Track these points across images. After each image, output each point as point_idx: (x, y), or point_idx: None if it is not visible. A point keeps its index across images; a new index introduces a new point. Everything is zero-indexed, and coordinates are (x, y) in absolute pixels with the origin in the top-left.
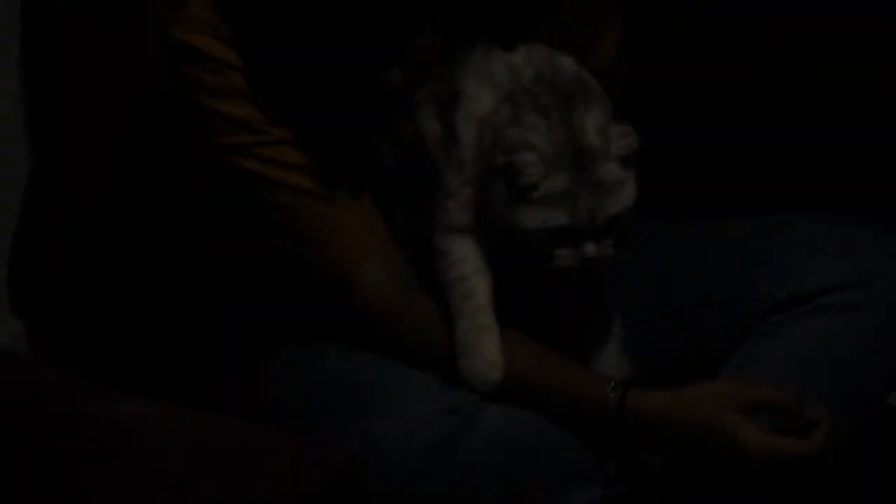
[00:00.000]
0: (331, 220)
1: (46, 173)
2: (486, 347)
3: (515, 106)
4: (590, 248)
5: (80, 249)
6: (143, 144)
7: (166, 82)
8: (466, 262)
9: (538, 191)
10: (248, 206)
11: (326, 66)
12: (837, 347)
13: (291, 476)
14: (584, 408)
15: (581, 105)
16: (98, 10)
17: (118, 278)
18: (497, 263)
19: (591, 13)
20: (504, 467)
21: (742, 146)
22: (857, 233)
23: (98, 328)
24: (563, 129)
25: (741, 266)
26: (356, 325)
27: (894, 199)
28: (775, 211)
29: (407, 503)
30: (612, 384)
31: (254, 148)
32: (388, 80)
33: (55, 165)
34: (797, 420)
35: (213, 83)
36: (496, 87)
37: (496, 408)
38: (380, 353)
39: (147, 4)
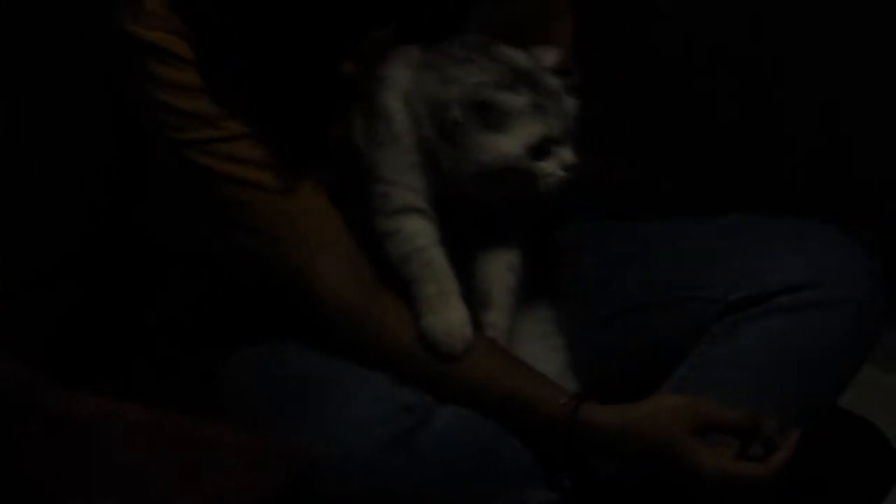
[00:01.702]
0: (287, 215)
1: (10, 170)
2: (454, 305)
3: (436, 70)
4: (566, 154)
5: (39, 247)
6: (107, 140)
7: (128, 79)
8: (419, 236)
9: (510, 116)
10: (206, 201)
11: (280, 60)
12: (792, 348)
13: (248, 472)
14: (536, 416)
15: (493, 46)
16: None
17: (84, 277)
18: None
19: (542, 7)
20: (456, 466)
21: (698, 146)
22: (811, 233)
23: (54, 325)
24: (493, 63)
25: (696, 265)
26: (312, 321)
27: (847, 200)
28: (730, 210)
29: (360, 500)
30: (564, 398)
31: (210, 143)
32: (341, 73)
33: (19, 162)
34: (753, 440)
35: (170, 78)
36: (412, 62)
37: (449, 408)
38: (335, 352)
39: (106, 1)
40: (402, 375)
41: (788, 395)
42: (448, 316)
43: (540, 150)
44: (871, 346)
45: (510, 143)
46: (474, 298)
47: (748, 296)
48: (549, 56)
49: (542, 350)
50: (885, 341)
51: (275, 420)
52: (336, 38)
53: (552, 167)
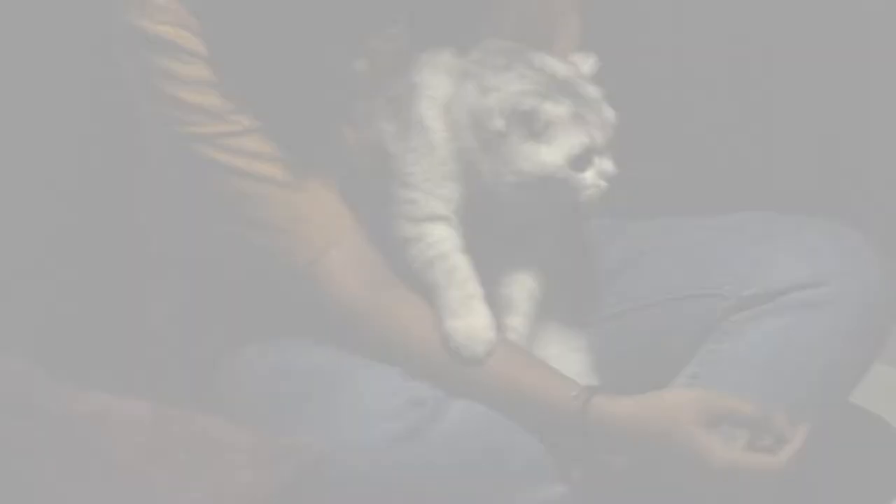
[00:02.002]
0: (297, 210)
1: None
2: (478, 309)
3: (475, 78)
4: (607, 164)
5: (40, 241)
6: (104, 136)
7: (132, 73)
8: (443, 242)
9: (553, 126)
10: (214, 196)
11: (289, 55)
12: (802, 345)
13: (253, 469)
14: (547, 409)
15: (532, 53)
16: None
17: (79, 272)
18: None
19: (552, 5)
20: (466, 461)
21: (704, 143)
22: (819, 230)
23: (57, 321)
24: (533, 72)
25: (706, 262)
26: (320, 318)
27: (853, 198)
28: (737, 208)
29: (368, 495)
30: (577, 389)
31: (220, 138)
32: (354, 70)
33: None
34: (764, 432)
35: (181, 72)
36: (449, 71)
37: (460, 402)
38: (343, 346)
39: None
40: (412, 371)
41: (798, 393)
42: (472, 321)
43: (581, 160)
44: (881, 344)
45: (553, 154)
46: (497, 303)
47: (758, 293)
48: (588, 64)
49: (565, 351)
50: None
51: (281, 415)
52: (346, 35)
53: (593, 178)
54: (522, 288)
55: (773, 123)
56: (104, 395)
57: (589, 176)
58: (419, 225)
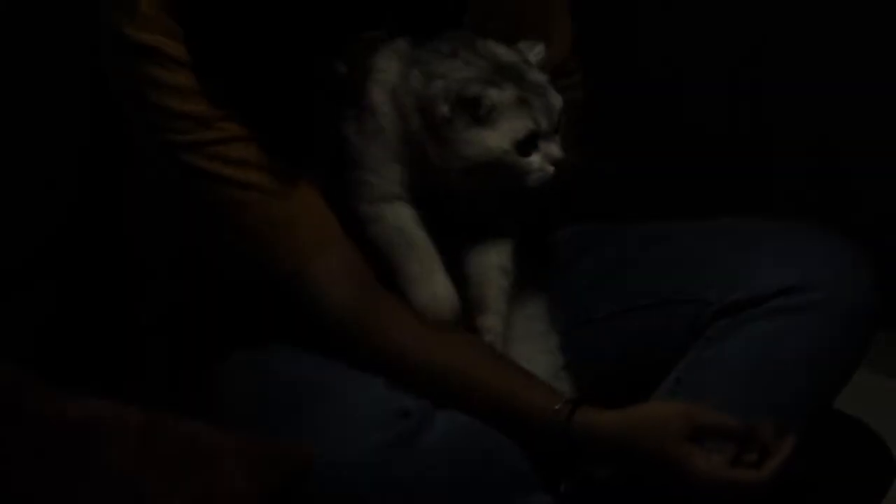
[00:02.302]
0: (283, 217)
1: None
2: (439, 280)
3: (421, 65)
4: (553, 148)
5: (28, 245)
6: (91, 143)
7: (118, 81)
8: (400, 219)
9: (496, 111)
10: (201, 204)
11: (273, 61)
12: (786, 351)
13: (241, 475)
14: (531, 420)
15: (478, 41)
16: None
17: (66, 276)
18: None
19: (541, 8)
20: (452, 472)
21: (692, 149)
22: (804, 236)
23: (46, 326)
24: (478, 59)
25: (690, 268)
26: (308, 324)
27: (838, 204)
28: (723, 213)
29: None
30: (560, 403)
31: (204, 145)
32: (334, 73)
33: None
34: (748, 447)
35: (166, 80)
36: (400, 56)
37: (446, 413)
38: (331, 354)
39: (99, 3)
40: (399, 378)
41: (783, 399)
42: (436, 290)
43: (526, 144)
44: (865, 350)
45: (496, 138)
46: (468, 302)
47: (742, 298)
48: (534, 50)
49: (535, 351)
50: (881, 344)
51: (269, 423)
52: (329, 39)
53: (539, 162)
54: (493, 285)
55: (765, 129)
56: (94, 400)
57: (535, 160)
58: (375, 205)
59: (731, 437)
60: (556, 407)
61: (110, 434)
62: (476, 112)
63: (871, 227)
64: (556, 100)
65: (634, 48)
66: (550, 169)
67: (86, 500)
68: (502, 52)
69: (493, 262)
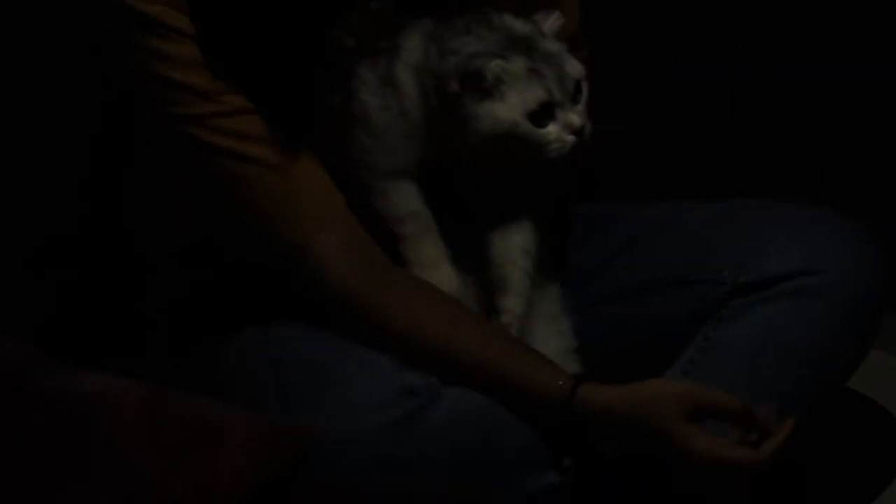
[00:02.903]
0: (286, 192)
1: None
2: (445, 269)
3: (438, 41)
4: (572, 118)
5: (37, 227)
6: (97, 137)
7: (120, 57)
8: (411, 199)
9: (505, 83)
10: (203, 179)
11: (278, 32)
12: (795, 333)
13: (247, 453)
14: (535, 396)
15: (494, 16)
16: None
17: (70, 257)
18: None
19: None
20: (459, 450)
21: (704, 131)
22: (814, 219)
23: (54, 312)
24: (491, 33)
25: (702, 248)
26: (312, 301)
27: (843, 191)
28: (736, 195)
29: (362, 484)
30: (563, 378)
31: (209, 118)
32: (341, 47)
33: (10, 144)
34: (748, 428)
35: (169, 52)
36: (423, 34)
37: (453, 391)
38: (336, 333)
39: None
40: (405, 355)
41: (792, 380)
42: (439, 277)
43: (541, 115)
44: (874, 333)
45: (507, 110)
46: (490, 283)
47: (753, 280)
48: (550, 21)
49: (546, 332)
50: (893, 327)
51: (275, 403)
52: (333, 10)
53: (557, 132)
54: (516, 266)
55: (771, 116)
56: (100, 375)
57: (552, 130)
58: (385, 179)
59: (732, 418)
60: (560, 383)
61: (113, 411)
62: (482, 85)
63: (877, 215)
64: (574, 68)
65: (642, 33)
66: (570, 138)
67: (87, 478)
68: (517, 24)
69: (515, 244)
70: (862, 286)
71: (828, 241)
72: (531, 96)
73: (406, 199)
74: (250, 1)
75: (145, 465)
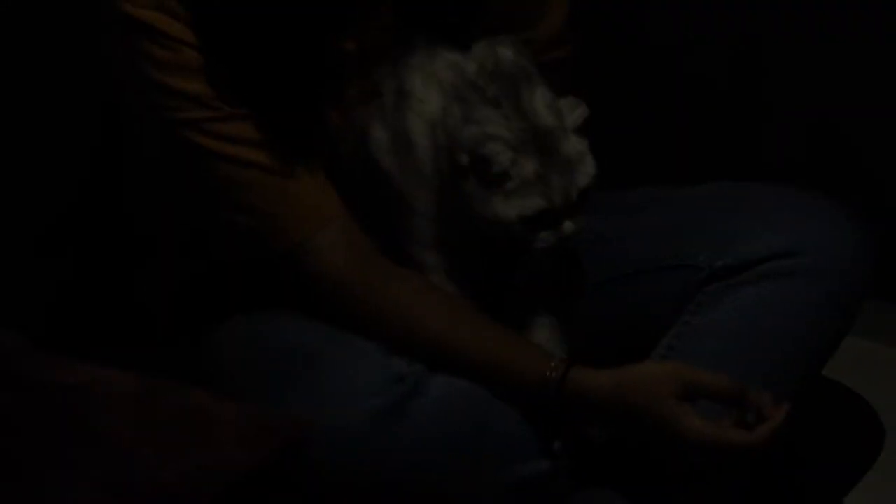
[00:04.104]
0: (284, 194)
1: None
2: None
3: (464, 102)
4: (568, 226)
5: (35, 216)
6: (95, 116)
7: (120, 63)
8: (440, 273)
9: (511, 180)
10: (201, 182)
11: (275, 39)
12: (775, 316)
13: (237, 444)
14: (525, 384)
15: (525, 88)
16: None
17: (68, 245)
18: (474, 258)
19: None
20: (448, 437)
21: (684, 115)
22: (795, 200)
23: (51, 294)
24: (517, 116)
25: (682, 233)
26: (306, 297)
27: (832, 171)
28: (715, 179)
29: (352, 472)
30: (554, 362)
31: (206, 123)
32: (340, 53)
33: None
34: (742, 408)
35: (165, 58)
36: (442, 85)
37: (442, 378)
38: (326, 323)
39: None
40: (395, 346)
41: (772, 363)
42: None
43: (536, 221)
44: (854, 316)
45: (505, 208)
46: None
47: (732, 263)
48: (575, 115)
49: (532, 317)
50: (872, 311)
51: (265, 391)
52: (333, 16)
53: (547, 237)
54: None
55: (761, 93)
56: (91, 367)
57: (543, 236)
58: (424, 250)
59: (723, 397)
60: (551, 365)
61: (103, 401)
62: (489, 172)
63: (867, 193)
64: (584, 176)
65: (639, 15)
66: (555, 242)
67: (75, 468)
68: (545, 114)
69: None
70: (841, 267)
71: (806, 222)
72: (531, 203)
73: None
74: (251, 6)
75: (135, 454)
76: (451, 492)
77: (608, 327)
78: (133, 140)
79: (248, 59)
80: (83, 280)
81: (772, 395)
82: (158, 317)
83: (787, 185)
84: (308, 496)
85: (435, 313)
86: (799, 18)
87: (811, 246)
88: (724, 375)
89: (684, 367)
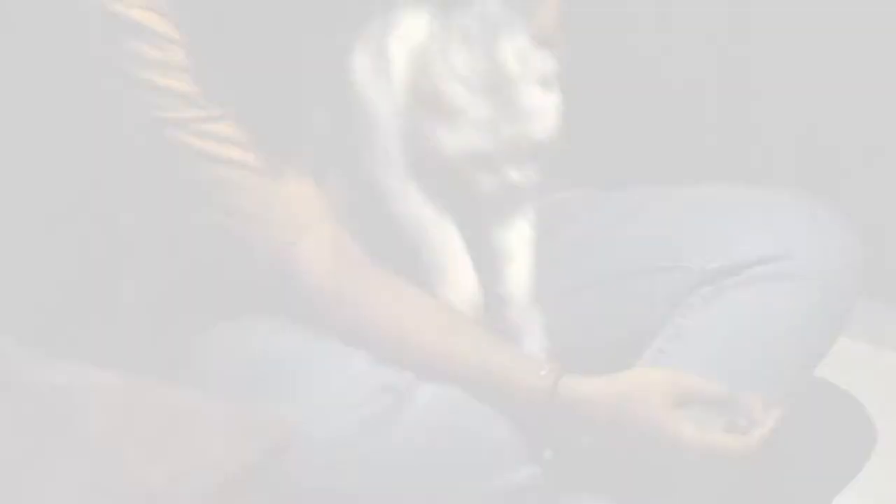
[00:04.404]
0: (271, 196)
1: None
2: (468, 275)
3: (442, 39)
4: (513, 175)
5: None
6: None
7: (106, 58)
8: (427, 207)
9: (461, 117)
10: (187, 181)
11: (265, 38)
12: (765, 319)
13: (222, 444)
14: (516, 390)
15: (504, 35)
16: None
17: (53, 245)
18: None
19: None
20: (436, 446)
21: (671, 118)
22: (785, 204)
23: (31, 297)
24: (486, 59)
25: (671, 236)
26: (293, 301)
27: (820, 174)
28: (705, 181)
29: (337, 481)
30: (544, 370)
31: (193, 123)
32: (328, 49)
33: None
34: (734, 413)
35: (152, 57)
36: (429, 21)
37: (429, 386)
38: (312, 329)
39: None
40: (382, 354)
41: (764, 367)
42: (461, 285)
43: (483, 161)
44: (845, 319)
45: (450, 142)
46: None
47: (722, 266)
48: (542, 66)
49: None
50: (863, 313)
51: (250, 397)
52: (323, 14)
53: (489, 181)
54: (520, 236)
55: (750, 97)
56: (75, 365)
57: (486, 179)
58: (402, 180)
59: (716, 404)
60: (542, 374)
61: (87, 401)
62: (443, 106)
63: (856, 196)
64: (540, 129)
65: (626, 18)
66: (494, 189)
67: (65, 466)
68: (512, 60)
69: (516, 233)
70: (831, 269)
71: (797, 225)
72: (477, 142)
73: (422, 200)
74: (239, 5)
75: (119, 454)
76: (439, 500)
77: (598, 328)
78: (119, 134)
79: (233, 60)
80: (70, 278)
81: (763, 399)
82: (146, 317)
83: (777, 189)
84: (295, 502)
85: (424, 323)
86: (787, 22)
87: (802, 249)
88: (715, 381)
89: (677, 373)
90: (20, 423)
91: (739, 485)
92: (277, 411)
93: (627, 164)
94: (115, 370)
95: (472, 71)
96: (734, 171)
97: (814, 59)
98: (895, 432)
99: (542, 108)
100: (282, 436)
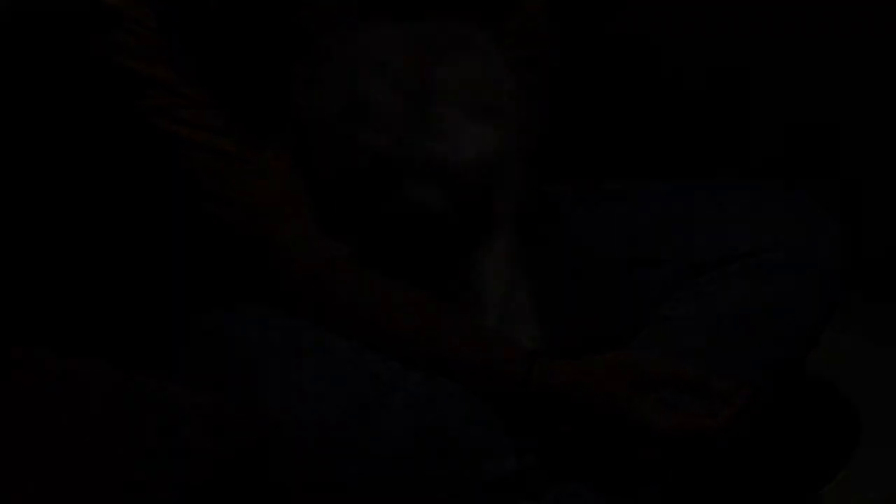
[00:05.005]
0: (252, 182)
1: None
2: None
3: (387, 58)
4: (416, 193)
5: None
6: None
7: (89, 46)
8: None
9: (372, 124)
10: (170, 170)
11: (239, 21)
12: (753, 311)
13: (206, 437)
14: (491, 375)
15: (448, 58)
16: None
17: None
18: None
19: None
20: (420, 436)
21: (663, 112)
22: (773, 197)
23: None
24: (409, 68)
25: (661, 228)
26: (276, 289)
27: (810, 167)
28: (692, 176)
29: (324, 469)
30: (520, 358)
31: (173, 110)
32: (305, 31)
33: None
34: (704, 396)
35: (131, 44)
36: (386, 39)
37: (413, 376)
38: (298, 318)
39: None
40: (366, 343)
41: (750, 359)
42: None
43: (384, 175)
44: (832, 311)
45: (360, 150)
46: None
47: (711, 259)
48: (475, 92)
49: (505, 313)
50: (851, 307)
51: (235, 387)
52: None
53: (392, 198)
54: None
55: (739, 91)
56: (62, 357)
57: (389, 195)
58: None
59: (686, 386)
60: (517, 361)
61: (74, 391)
62: (359, 110)
63: (849, 188)
64: (455, 157)
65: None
66: (398, 209)
67: (49, 459)
68: (445, 85)
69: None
70: (818, 262)
71: (783, 217)
72: (376, 147)
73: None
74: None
75: (102, 447)
76: (424, 489)
77: (582, 322)
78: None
79: (213, 46)
80: (60, 269)
81: (736, 382)
82: (126, 309)
83: (765, 182)
84: (280, 493)
85: (405, 311)
86: (780, 17)
87: (788, 241)
88: (683, 364)
89: (641, 356)
90: (5, 419)
91: (729, 476)
92: (263, 401)
93: (613, 159)
94: (98, 361)
95: (393, 75)
96: (723, 166)
97: (805, 52)
98: (888, 427)
99: (465, 137)
100: (265, 429)
